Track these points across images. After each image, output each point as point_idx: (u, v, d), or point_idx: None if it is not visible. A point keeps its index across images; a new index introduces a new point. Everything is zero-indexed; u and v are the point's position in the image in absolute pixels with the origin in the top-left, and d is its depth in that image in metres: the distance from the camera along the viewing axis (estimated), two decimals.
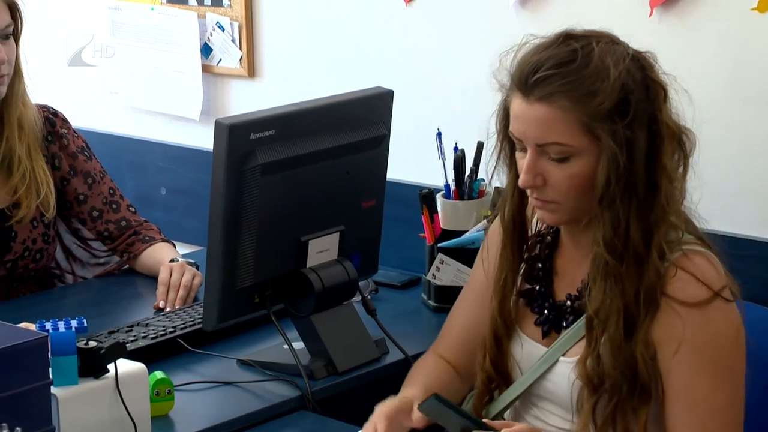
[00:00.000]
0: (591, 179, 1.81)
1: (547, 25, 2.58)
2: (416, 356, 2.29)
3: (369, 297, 2.36)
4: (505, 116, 1.89)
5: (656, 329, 1.82)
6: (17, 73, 2.62)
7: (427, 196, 2.59)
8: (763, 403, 2.15)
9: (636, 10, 2.51)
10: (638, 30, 2.49)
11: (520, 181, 1.86)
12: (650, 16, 2.49)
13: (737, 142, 2.43)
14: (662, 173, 1.82)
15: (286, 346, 2.21)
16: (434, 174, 2.61)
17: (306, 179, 2.19)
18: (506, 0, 2.68)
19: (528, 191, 1.89)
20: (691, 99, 2.40)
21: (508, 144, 1.91)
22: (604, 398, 1.85)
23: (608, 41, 1.85)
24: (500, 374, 2.00)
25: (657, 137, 1.82)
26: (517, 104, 1.84)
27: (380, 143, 2.32)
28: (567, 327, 1.93)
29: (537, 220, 2.00)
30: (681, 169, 1.87)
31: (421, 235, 2.63)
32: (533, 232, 2.01)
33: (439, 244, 2.56)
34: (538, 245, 2.00)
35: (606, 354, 1.84)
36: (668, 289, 1.81)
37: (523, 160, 1.85)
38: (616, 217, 1.81)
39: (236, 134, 2.07)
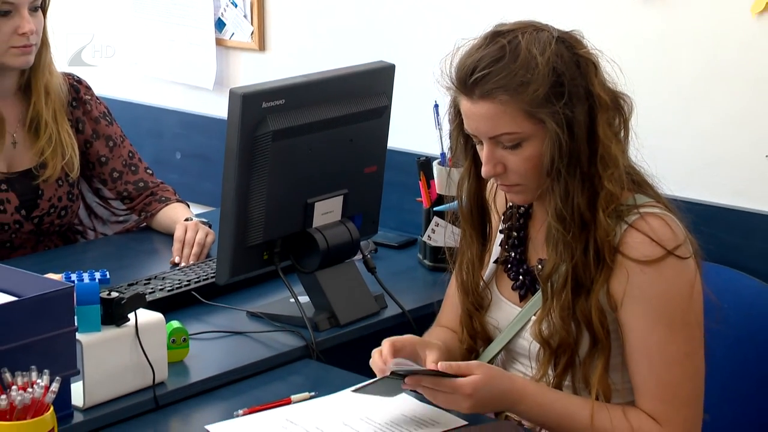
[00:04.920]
0: (543, 158, 1.83)
1: (537, 4, 2.60)
2: (412, 311, 2.31)
3: (369, 256, 2.37)
4: (456, 114, 1.92)
5: (614, 286, 1.84)
6: (44, 43, 2.62)
7: (424, 164, 2.60)
8: (729, 356, 2.17)
9: None
10: (623, 11, 2.51)
11: (483, 172, 1.88)
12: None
13: (714, 116, 2.42)
14: (602, 141, 1.82)
15: (292, 300, 2.22)
16: (431, 143, 2.61)
17: (313, 146, 2.19)
18: None
19: (493, 179, 1.91)
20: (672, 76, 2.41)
21: (462, 137, 1.93)
22: (559, 354, 1.87)
23: (533, 30, 1.85)
24: (479, 340, 2.03)
25: (594, 109, 1.83)
26: (464, 104, 1.86)
27: (382, 113, 2.32)
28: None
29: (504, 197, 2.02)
30: (622, 132, 1.88)
31: (417, 199, 2.63)
32: (508, 203, 2.03)
33: (434, 208, 2.57)
34: (513, 214, 2.02)
35: (556, 316, 1.86)
36: (624, 249, 1.83)
37: (482, 152, 1.88)
38: (564, 189, 1.83)
39: (249, 103, 2.07)
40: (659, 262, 1.81)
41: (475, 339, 2.03)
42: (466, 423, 1.83)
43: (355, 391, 1.86)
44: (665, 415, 1.82)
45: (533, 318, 1.93)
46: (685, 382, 1.83)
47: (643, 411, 1.83)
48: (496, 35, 1.85)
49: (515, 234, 2.01)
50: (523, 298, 1.98)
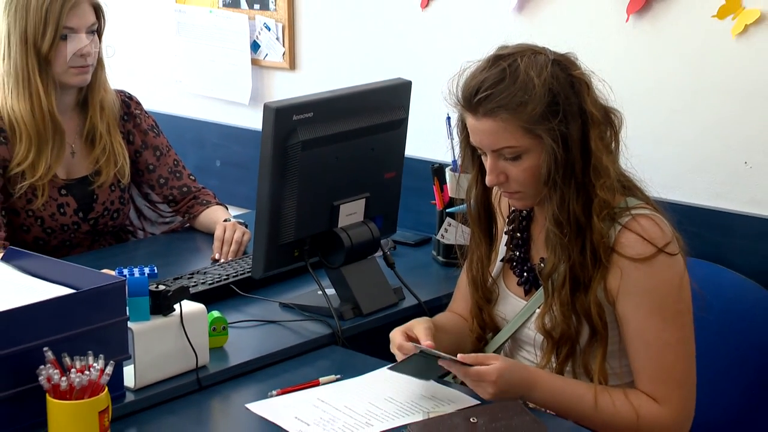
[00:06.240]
0: (542, 169, 1.83)
1: (539, 26, 2.60)
2: (427, 302, 2.31)
3: (389, 252, 2.37)
4: (463, 128, 1.92)
5: (611, 282, 1.83)
6: (100, 64, 2.62)
7: (437, 170, 2.59)
8: (712, 341, 2.17)
9: (615, 17, 2.49)
10: (616, 33, 2.51)
11: (487, 181, 1.88)
12: (627, 21, 2.48)
13: (695, 125, 2.42)
14: (595, 153, 1.82)
15: (320, 292, 2.22)
16: (444, 151, 2.61)
17: (338, 154, 2.20)
18: (506, 6, 2.67)
19: (496, 187, 1.91)
20: (661, 90, 2.41)
21: (470, 148, 1.93)
22: (561, 345, 1.87)
23: (531, 54, 1.84)
24: (488, 330, 2.03)
25: (587, 124, 1.82)
26: (470, 121, 1.86)
27: (400, 125, 2.32)
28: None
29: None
30: (613, 144, 1.87)
31: (432, 202, 2.63)
32: (512, 207, 2.03)
33: (447, 210, 2.56)
34: (517, 217, 2.02)
35: (557, 311, 1.86)
36: (619, 248, 1.82)
37: (486, 162, 1.88)
38: (561, 197, 1.83)
39: (281, 116, 2.07)
40: (651, 259, 1.80)
41: (484, 329, 2.03)
42: (478, 402, 1.82)
43: (391, 368, 1.86)
44: (663, 394, 1.82)
45: (537, 310, 1.93)
46: (679, 365, 1.83)
47: (642, 392, 1.83)
48: (498, 59, 1.85)
49: (519, 235, 2.00)
50: (527, 293, 1.98)
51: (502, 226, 2.05)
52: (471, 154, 1.95)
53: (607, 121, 1.86)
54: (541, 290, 1.92)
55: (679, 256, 1.83)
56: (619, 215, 1.83)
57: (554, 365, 1.89)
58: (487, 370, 1.76)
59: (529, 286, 1.97)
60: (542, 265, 1.92)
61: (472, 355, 1.80)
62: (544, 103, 1.79)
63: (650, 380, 1.82)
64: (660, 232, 1.82)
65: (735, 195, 2.38)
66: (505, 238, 2.04)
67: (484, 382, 1.77)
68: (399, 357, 1.89)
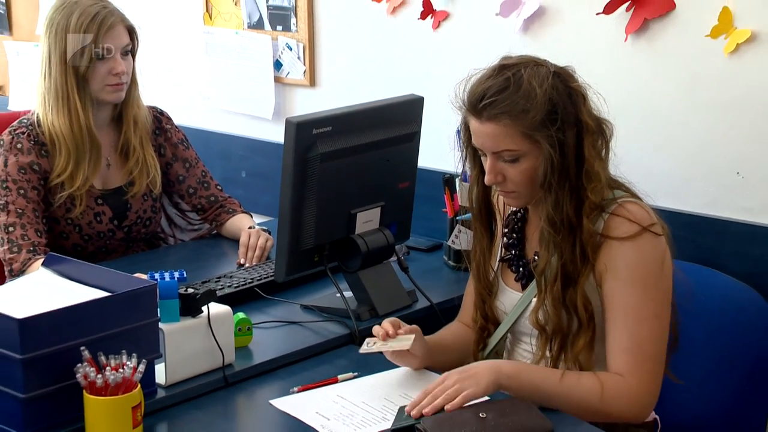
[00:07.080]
0: (538, 172, 1.84)
1: (543, 46, 2.60)
2: (438, 303, 2.30)
3: (403, 257, 2.37)
4: (466, 130, 1.92)
5: (599, 265, 1.83)
6: (133, 82, 2.63)
7: (448, 180, 2.59)
8: (707, 339, 2.16)
9: (614, 36, 2.49)
10: (616, 51, 2.50)
11: (486, 180, 1.89)
12: (625, 40, 2.47)
13: (691, 138, 2.41)
14: (588, 159, 1.83)
15: (338, 295, 2.22)
16: (454, 163, 2.60)
17: (355, 165, 2.20)
18: (512, 27, 2.67)
19: (493, 186, 1.92)
20: (656, 104, 2.39)
21: (471, 149, 1.94)
22: (554, 338, 1.87)
23: (534, 65, 1.85)
24: (490, 323, 2.03)
25: (582, 133, 1.83)
26: (473, 124, 1.87)
27: (413, 138, 2.32)
28: None
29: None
30: (604, 152, 1.88)
31: (443, 210, 2.63)
32: (508, 212, 2.03)
33: (457, 217, 2.56)
34: (512, 220, 2.03)
35: (549, 305, 1.86)
36: (608, 232, 1.83)
37: (486, 163, 1.89)
38: (555, 199, 1.83)
39: (302, 130, 2.08)
40: (637, 236, 1.82)
41: (486, 320, 2.04)
42: (488, 399, 1.82)
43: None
44: (631, 367, 1.80)
45: (533, 300, 1.93)
46: (651, 340, 1.81)
47: (611, 372, 1.81)
48: (503, 68, 1.86)
49: (514, 236, 2.02)
50: (524, 287, 1.98)
51: (501, 224, 2.06)
52: (473, 154, 1.96)
53: (600, 130, 1.88)
54: (534, 284, 1.92)
55: (663, 239, 1.83)
56: (607, 206, 1.85)
57: (549, 359, 1.88)
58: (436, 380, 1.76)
59: (526, 280, 1.98)
60: (536, 258, 1.93)
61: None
62: (544, 112, 1.80)
63: (621, 351, 1.80)
64: (646, 214, 1.84)
65: (728, 203, 2.37)
66: (503, 239, 2.05)
67: (444, 384, 1.74)
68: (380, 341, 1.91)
